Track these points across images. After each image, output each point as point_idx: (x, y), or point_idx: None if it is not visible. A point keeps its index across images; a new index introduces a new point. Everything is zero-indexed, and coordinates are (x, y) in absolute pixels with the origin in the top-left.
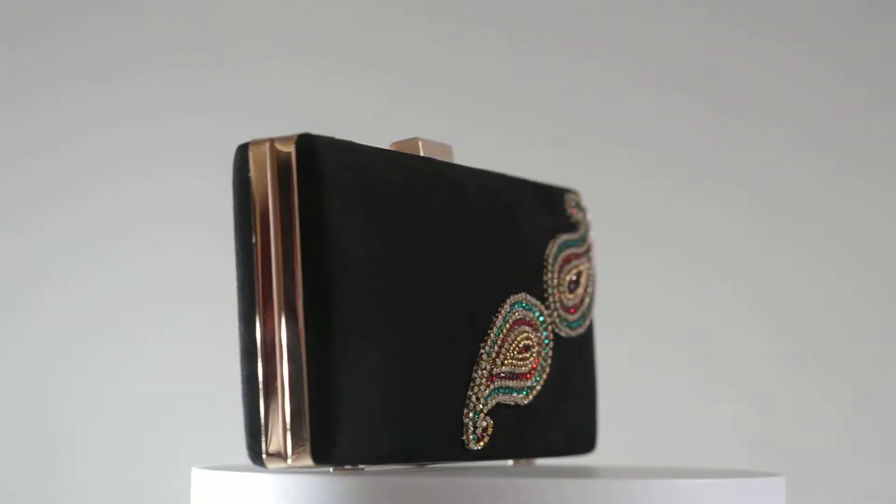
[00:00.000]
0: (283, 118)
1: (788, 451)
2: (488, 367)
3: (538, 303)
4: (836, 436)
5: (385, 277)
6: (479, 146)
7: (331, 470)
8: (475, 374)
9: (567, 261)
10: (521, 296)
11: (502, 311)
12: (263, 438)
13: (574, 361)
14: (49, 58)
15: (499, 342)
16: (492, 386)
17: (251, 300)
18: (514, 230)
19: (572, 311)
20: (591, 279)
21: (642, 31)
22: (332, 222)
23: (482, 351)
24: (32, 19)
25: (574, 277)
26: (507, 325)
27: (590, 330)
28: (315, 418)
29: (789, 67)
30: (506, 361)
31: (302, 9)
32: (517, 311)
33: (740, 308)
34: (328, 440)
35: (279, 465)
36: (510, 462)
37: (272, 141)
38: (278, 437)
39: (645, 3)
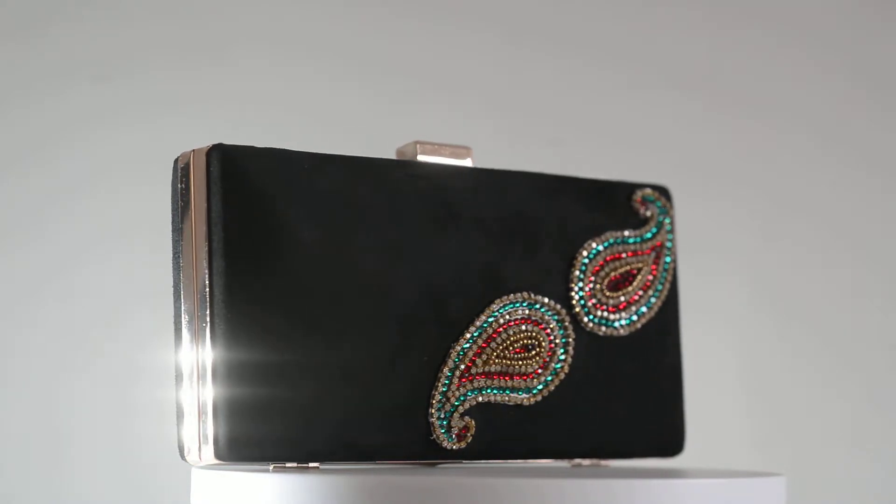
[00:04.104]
0: (285, 121)
1: (788, 451)
2: (463, 367)
3: (549, 301)
4: (837, 435)
5: (308, 281)
6: (481, 148)
7: (270, 468)
8: (440, 374)
9: (614, 258)
10: (522, 295)
11: (489, 311)
12: (185, 436)
13: (623, 361)
14: (49, 59)
15: (480, 342)
16: (470, 386)
17: (178, 303)
18: (526, 229)
19: (612, 310)
20: (656, 277)
21: (643, 32)
22: (240, 228)
23: (452, 350)
24: (32, 20)
25: (622, 275)
26: (497, 325)
27: (651, 328)
28: (219, 418)
29: (790, 68)
30: (493, 361)
31: (303, 12)
32: (516, 310)
33: (741, 307)
34: (229, 440)
35: (196, 461)
36: (566, 463)
37: (194, 152)
38: (192, 435)
39: (645, 4)
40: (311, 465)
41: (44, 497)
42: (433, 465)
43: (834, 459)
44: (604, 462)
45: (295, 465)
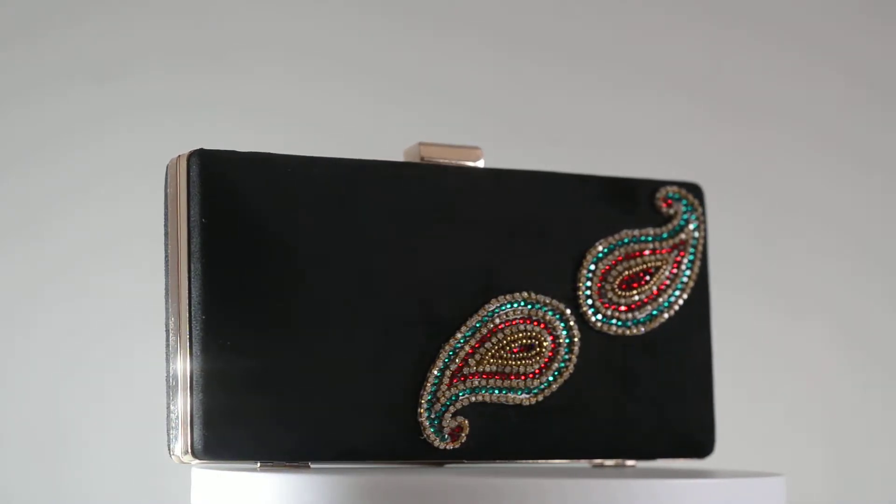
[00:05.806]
0: (286, 125)
1: (789, 451)
2: (454, 367)
3: (552, 300)
4: (837, 435)
5: (289, 283)
6: (485, 150)
7: (258, 466)
8: (429, 374)
9: (630, 256)
10: (522, 295)
11: (483, 311)
12: (170, 435)
13: (641, 360)
14: (50, 60)
15: (473, 342)
16: (462, 385)
17: (167, 305)
18: (533, 229)
19: (625, 308)
20: (677, 275)
21: (643, 34)
22: (219, 231)
23: (441, 350)
24: (33, 21)
25: (636, 273)
26: (492, 325)
27: (673, 327)
28: (196, 418)
29: (789, 69)
30: (487, 360)
31: (305, 17)
32: (514, 309)
33: (740, 306)
34: (206, 440)
35: (177, 459)
36: (587, 464)
37: (179, 157)
38: (176, 434)
39: (646, 5)
40: (301, 463)
41: (44, 496)
42: (440, 464)
43: (834, 459)
44: (628, 463)
45: (284, 463)
